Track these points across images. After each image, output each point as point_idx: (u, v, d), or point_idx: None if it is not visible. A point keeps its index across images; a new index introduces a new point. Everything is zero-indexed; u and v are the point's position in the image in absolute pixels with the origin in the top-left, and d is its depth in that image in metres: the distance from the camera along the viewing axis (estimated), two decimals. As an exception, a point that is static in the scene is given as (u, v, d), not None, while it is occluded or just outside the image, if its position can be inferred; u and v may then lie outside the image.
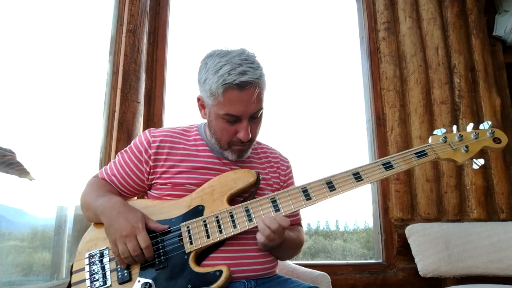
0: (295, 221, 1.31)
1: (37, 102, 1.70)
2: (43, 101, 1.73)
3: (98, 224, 1.14)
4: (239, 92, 1.07)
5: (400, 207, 2.45)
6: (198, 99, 1.21)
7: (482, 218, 2.43)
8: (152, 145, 1.18)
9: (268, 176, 1.27)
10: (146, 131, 1.23)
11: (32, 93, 1.67)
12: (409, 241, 2.30)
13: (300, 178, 1.39)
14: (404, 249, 2.37)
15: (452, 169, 2.51)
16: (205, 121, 1.31)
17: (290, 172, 1.37)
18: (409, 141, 2.58)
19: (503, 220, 2.43)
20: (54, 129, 1.80)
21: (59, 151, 1.82)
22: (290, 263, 1.79)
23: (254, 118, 1.15)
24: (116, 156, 1.25)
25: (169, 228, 1.08)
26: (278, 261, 1.30)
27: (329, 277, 1.58)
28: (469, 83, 2.66)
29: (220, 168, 1.19)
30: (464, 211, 2.48)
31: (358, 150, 2.78)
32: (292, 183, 1.36)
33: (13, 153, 1.44)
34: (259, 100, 1.12)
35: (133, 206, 1.12)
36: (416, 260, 2.24)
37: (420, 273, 2.21)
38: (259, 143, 1.37)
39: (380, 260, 2.45)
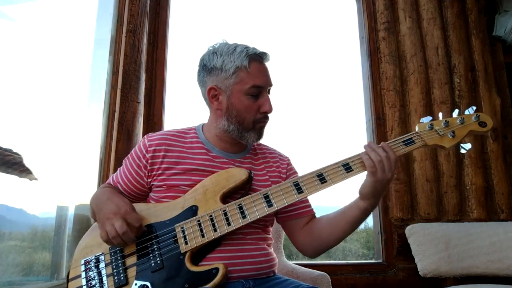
0: (309, 211, 1.28)
1: (37, 102, 1.70)
2: (43, 101, 1.73)
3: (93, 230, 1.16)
4: (259, 64, 1.18)
5: (400, 207, 2.45)
6: (209, 90, 1.20)
7: (482, 218, 2.43)
8: (149, 149, 1.20)
9: (266, 176, 1.26)
10: (145, 136, 1.26)
11: (32, 93, 1.67)
12: (409, 241, 2.30)
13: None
14: (404, 249, 2.37)
15: (452, 169, 2.51)
16: (203, 122, 1.32)
17: (291, 168, 1.36)
18: (409, 141, 2.57)
19: (503, 220, 2.43)
20: (54, 129, 1.80)
21: (59, 151, 1.83)
22: (290, 263, 1.79)
23: (268, 94, 1.22)
24: (123, 162, 1.29)
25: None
26: (278, 261, 1.30)
27: (329, 277, 1.59)
28: (469, 83, 2.66)
29: (214, 170, 1.19)
30: (464, 211, 2.48)
31: (359, 150, 2.78)
32: (296, 176, 1.32)
33: (18, 154, 1.45)
34: None
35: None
36: (416, 260, 2.24)
37: (420, 273, 2.21)
38: (258, 144, 1.36)
39: (380, 260, 2.45)
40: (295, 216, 1.27)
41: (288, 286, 1.11)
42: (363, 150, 1.14)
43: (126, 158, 1.28)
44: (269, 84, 1.20)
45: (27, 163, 1.54)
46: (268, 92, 1.22)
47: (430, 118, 1.22)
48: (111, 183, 1.27)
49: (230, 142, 1.25)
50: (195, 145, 1.23)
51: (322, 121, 3.04)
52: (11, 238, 1.67)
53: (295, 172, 1.36)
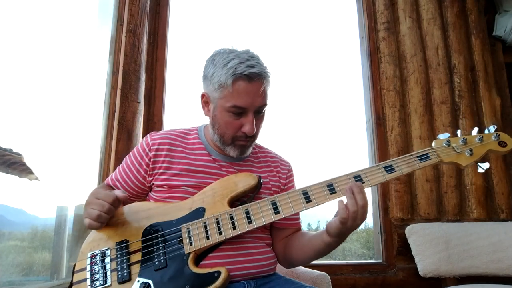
0: (295, 225, 1.31)
1: (37, 102, 1.70)
2: (43, 101, 1.73)
3: None
4: (247, 83, 1.10)
5: (400, 207, 2.45)
6: (202, 96, 1.22)
7: (482, 218, 2.43)
8: (151, 147, 1.21)
9: (267, 179, 1.27)
10: (148, 135, 1.27)
11: (33, 93, 1.67)
12: (409, 241, 2.30)
13: (300, 178, 1.39)
14: (404, 249, 2.37)
15: (452, 169, 2.51)
16: (206, 123, 1.33)
17: (291, 175, 1.37)
18: (409, 141, 2.58)
19: (503, 220, 2.43)
20: (54, 129, 1.80)
21: (59, 151, 1.83)
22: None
23: (259, 113, 1.17)
24: (123, 160, 1.30)
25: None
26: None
27: (329, 277, 1.59)
28: (469, 83, 2.67)
29: (216, 172, 1.20)
30: (464, 211, 2.48)
31: (358, 150, 2.78)
32: (292, 186, 1.35)
33: (20, 154, 1.45)
34: (265, 95, 1.15)
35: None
36: (416, 260, 2.24)
37: (420, 273, 2.21)
38: (260, 147, 1.37)
39: (380, 260, 2.45)
40: (281, 225, 1.28)
41: (289, 286, 1.12)
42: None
43: (127, 156, 1.29)
44: (255, 104, 1.13)
45: (28, 162, 1.54)
46: (260, 112, 1.17)
47: (447, 134, 1.18)
48: (109, 182, 1.28)
49: None
50: (197, 146, 1.24)
51: (322, 121, 3.05)
52: (11, 238, 1.67)
53: (292, 181, 1.36)
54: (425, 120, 2.58)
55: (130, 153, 1.28)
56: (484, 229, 2.26)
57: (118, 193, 1.07)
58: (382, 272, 2.38)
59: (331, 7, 3.18)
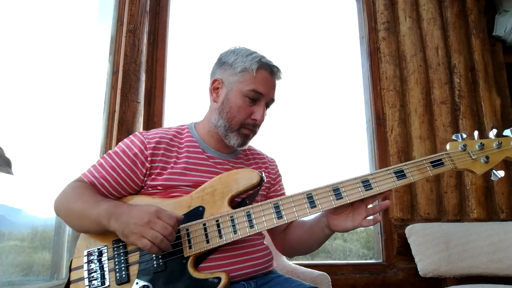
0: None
1: (37, 102, 1.70)
2: (43, 101, 1.73)
3: None
4: (268, 74, 1.21)
5: (400, 207, 2.45)
6: (214, 81, 1.25)
7: (482, 218, 2.43)
8: (148, 146, 1.15)
9: None
10: (137, 133, 1.21)
11: (33, 93, 1.67)
12: (409, 241, 2.30)
13: (300, 177, 1.40)
14: (404, 249, 2.37)
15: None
16: (195, 121, 1.33)
17: (278, 171, 1.42)
18: (409, 141, 2.58)
19: (503, 220, 2.43)
20: (54, 129, 1.80)
21: (59, 151, 1.82)
22: (290, 263, 1.80)
23: (266, 107, 1.25)
24: (101, 159, 1.17)
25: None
26: (278, 261, 1.30)
27: (329, 277, 1.59)
28: (469, 83, 2.67)
29: (211, 169, 1.19)
30: (464, 211, 2.48)
31: (358, 150, 2.78)
32: (280, 180, 1.40)
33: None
34: (275, 91, 1.26)
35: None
36: (416, 260, 2.24)
37: (420, 273, 2.21)
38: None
39: (380, 260, 2.45)
40: None
41: (289, 285, 1.12)
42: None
43: (111, 153, 1.17)
44: (270, 95, 1.22)
45: (28, 163, 1.54)
46: (268, 106, 1.25)
47: (464, 135, 1.11)
48: (93, 180, 1.12)
49: (222, 140, 1.25)
50: (190, 144, 1.23)
51: (322, 121, 3.04)
52: (11, 238, 1.67)
53: (280, 176, 1.42)
54: (425, 120, 2.58)
55: (117, 150, 1.17)
56: (484, 229, 2.26)
57: (178, 215, 1.00)
58: (382, 272, 2.38)
59: (331, 7, 3.18)
